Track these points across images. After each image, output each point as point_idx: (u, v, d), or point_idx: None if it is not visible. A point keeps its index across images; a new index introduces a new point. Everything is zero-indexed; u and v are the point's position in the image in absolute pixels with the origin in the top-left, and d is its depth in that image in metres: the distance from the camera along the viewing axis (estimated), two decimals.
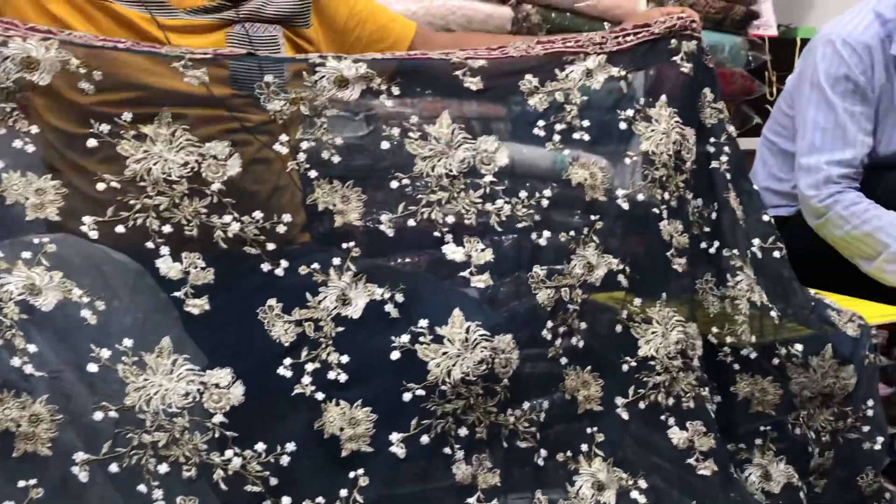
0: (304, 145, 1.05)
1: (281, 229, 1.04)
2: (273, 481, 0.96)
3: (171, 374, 0.96)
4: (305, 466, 0.98)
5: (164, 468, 0.94)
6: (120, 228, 0.98)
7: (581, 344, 1.10)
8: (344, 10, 1.32)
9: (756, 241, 1.21)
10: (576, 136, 1.12)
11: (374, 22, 1.34)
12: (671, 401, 1.12)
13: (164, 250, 0.98)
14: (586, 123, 1.13)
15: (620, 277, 1.11)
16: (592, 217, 1.11)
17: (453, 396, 0.99)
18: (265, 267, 1.01)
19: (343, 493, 0.98)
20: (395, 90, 1.07)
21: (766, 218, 1.23)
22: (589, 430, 1.10)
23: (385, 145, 1.06)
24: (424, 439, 0.98)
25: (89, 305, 0.94)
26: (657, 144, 1.13)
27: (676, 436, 1.11)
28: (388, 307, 1.01)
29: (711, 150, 1.21)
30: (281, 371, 0.99)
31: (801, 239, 1.66)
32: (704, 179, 1.20)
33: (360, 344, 1.01)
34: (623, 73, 1.15)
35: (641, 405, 1.12)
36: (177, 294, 0.99)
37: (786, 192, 1.84)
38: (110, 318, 0.96)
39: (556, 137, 1.12)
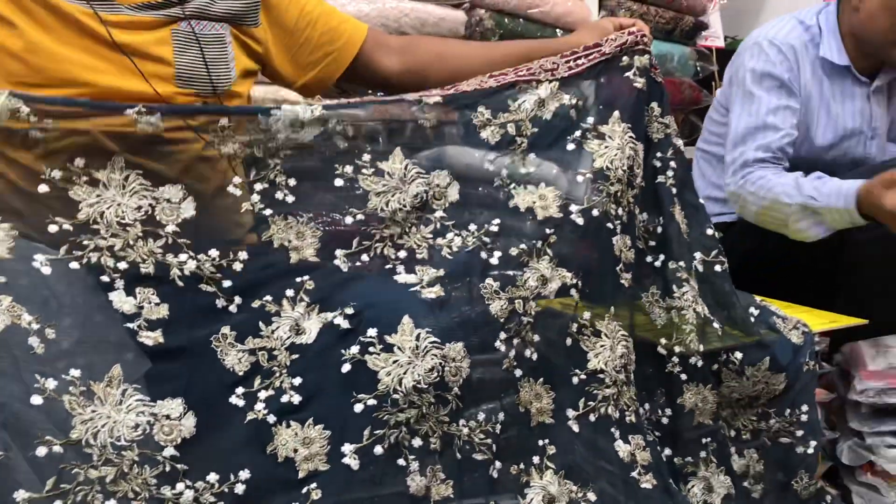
0: (258, 186, 1.04)
1: (237, 267, 1.03)
2: None
3: (120, 405, 0.93)
4: (261, 492, 0.96)
5: None
6: (74, 265, 0.96)
7: (535, 356, 1.09)
8: (294, 10, 1.30)
9: (698, 255, 1.23)
10: (524, 169, 1.14)
11: (325, 23, 1.32)
12: (617, 414, 1.13)
13: (119, 284, 0.97)
14: (533, 157, 1.14)
15: (573, 291, 1.12)
16: (547, 231, 1.11)
17: (405, 405, 0.98)
18: (220, 303, 1.00)
19: None
20: (350, 131, 1.08)
21: (710, 232, 1.25)
22: (541, 443, 1.10)
23: (339, 182, 1.06)
24: (378, 450, 0.97)
25: (38, 333, 0.91)
26: (612, 160, 1.15)
27: (622, 449, 1.12)
28: (339, 320, 1.00)
29: (658, 164, 1.23)
30: (233, 400, 0.97)
31: (744, 245, 1.69)
32: (651, 194, 1.22)
33: (312, 364, 0.99)
34: (574, 101, 1.17)
35: (592, 417, 1.12)
36: (130, 325, 0.96)
37: (726, 198, 1.87)
38: (60, 345, 0.92)
39: (504, 172, 1.13)
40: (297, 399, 0.97)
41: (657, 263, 1.22)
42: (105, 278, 0.96)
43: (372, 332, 0.98)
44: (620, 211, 1.15)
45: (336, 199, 1.07)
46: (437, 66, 1.37)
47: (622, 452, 1.12)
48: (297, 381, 0.98)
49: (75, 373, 0.91)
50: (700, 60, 2.49)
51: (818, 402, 1.33)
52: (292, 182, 1.06)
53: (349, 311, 1.00)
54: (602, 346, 1.13)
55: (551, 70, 1.17)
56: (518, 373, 1.08)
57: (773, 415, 1.24)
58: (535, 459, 1.09)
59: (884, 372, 1.37)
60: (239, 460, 0.95)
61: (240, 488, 0.94)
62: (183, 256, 0.99)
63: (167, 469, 0.93)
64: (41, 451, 0.88)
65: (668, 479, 1.14)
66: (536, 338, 1.09)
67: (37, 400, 0.89)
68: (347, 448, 0.96)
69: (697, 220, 1.25)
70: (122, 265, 0.96)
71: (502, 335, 1.05)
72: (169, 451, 0.93)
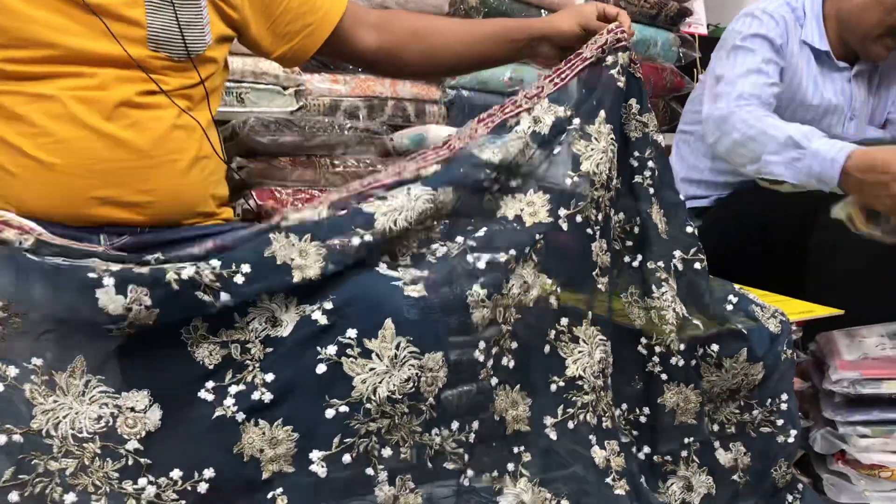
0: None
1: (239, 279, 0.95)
2: None
3: (83, 395, 0.89)
4: (224, 492, 0.93)
5: (70, 497, 0.87)
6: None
7: (512, 364, 1.08)
8: None
9: (678, 253, 1.22)
10: (514, 182, 1.12)
11: None
12: (595, 420, 1.12)
13: (109, 282, 0.89)
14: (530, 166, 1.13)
15: (552, 299, 1.11)
16: (536, 236, 1.09)
17: (377, 415, 0.95)
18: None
19: None
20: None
21: (689, 229, 1.24)
22: (516, 450, 1.08)
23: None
24: (346, 458, 0.94)
25: (2, 321, 0.87)
26: (597, 164, 1.13)
27: (597, 455, 1.12)
28: (317, 315, 0.96)
29: (635, 164, 1.21)
30: (202, 394, 0.94)
31: (717, 230, 1.71)
32: (627, 194, 1.21)
33: (286, 359, 0.95)
34: (568, 112, 1.15)
35: (570, 424, 1.11)
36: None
37: (703, 179, 1.88)
38: (24, 332, 0.88)
39: (496, 187, 1.12)
40: (268, 397, 0.94)
41: (635, 263, 1.21)
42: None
43: (351, 333, 0.94)
44: (600, 216, 1.14)
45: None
46: (413, 45, 1.35)
47: (598, 458, 1.11)
48: (270, 377, 0.94)
49: (37, 361, 0.88)
50: (683, 47, 2.48)
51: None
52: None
53: (328, 305, 0.96)
54: (580, 351, 1.12)
55: (537, 94, 1.16)
56: (494, 381, 1.06)
57: (755, 405, 1.24)
58: (510, 467, 1.08)
59: (858, 362, 1.38)
60: (204, 457, 0.92)
61: (202, 487, 0.92)
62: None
63: (130, 463, 0.90)
64: (1, 438, 0.85)
65: (639, 482, 1.15)
66: (514, 345, 1.08)
67: None
68: (315, 455, 0.93)
69: (677, 217, 1.24)
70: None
71: (482, 344, 1.03)
72: (132, 445, 0.90)
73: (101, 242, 1.13)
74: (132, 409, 0.90)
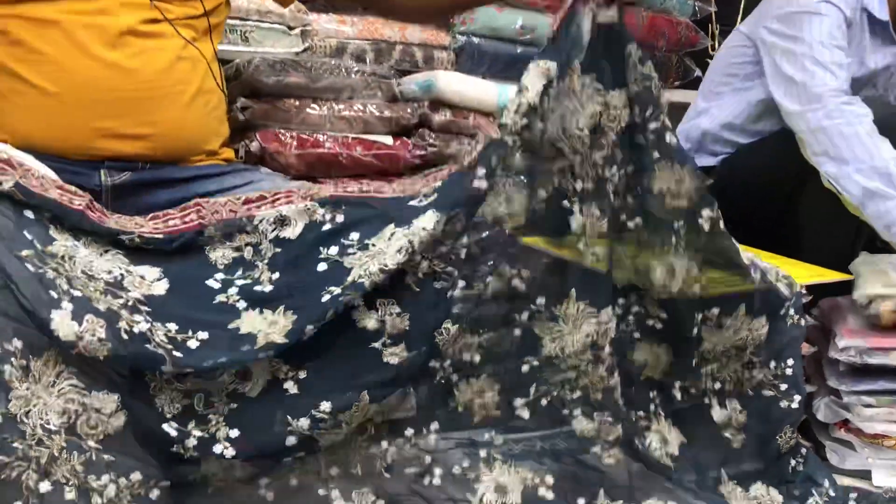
0: (239, 282, 0.96)
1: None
2: None
3: (52, 387, 0.87)
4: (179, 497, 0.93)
5: (45, 486, 0.86)
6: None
7: (476, 358, 1.08)
8: None
9: (706, 213, 1.14)
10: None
11: None
12: (577, 394, 1.11)
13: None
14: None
15: (516, 281, 1.09)
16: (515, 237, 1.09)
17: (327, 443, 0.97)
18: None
19: None
20: (340, 217, 1.00)
21: (699, 186, 1.15)
22: (487, 436, 1.08)
23: (322, 266, 0.98)
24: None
25: None
26: (569, 125, 1.08)
27: (581, 425, 1.11)
28: (288, 384, 0.95)
29: (638, 121, 1.13)
30: (166, 427, 0.92)
31: (725, 191, 1.67)
32: (629, 150, 1.13)
33: (253, 423, 0.94)
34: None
35: (543, 402, 1.11)
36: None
37: (729, 139, 1.84)
38: (7, 312, 0.85)
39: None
40: (229, 453, 0.93)
41: (631, 224, 1.16)
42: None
43: (325, 406, 0.94)
44: (580, 184, 1.09)
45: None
46: None
47: (584, 430, 1.11)
48: (235, 433, 0.93)
49: (18, 344, 0.86)
50: (698, 1, 2.42)
51: None
52: (276, 275, 0.98)
53: (301, 374, 0.96)
54: (559, 330, 1.10)
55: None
56: (454, 378, 1.06)
57: (758, 364, 1.22)
58: (483, 453, 1.07)
59: (864, 330, 1.36)
60: (160, 471, 0.92)
61: (154, 494, 0.91)
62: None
63: (93, 458, 0.88)
64: None
65: (636, 448, 1.14)
66: (476, 340, 1.07)
67: None
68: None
69: (687, 170, 1.15)
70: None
71: (442, 359, 1.05)
72: (91, 444, 0.89)
73: (101, 178, 1.10)
74: (98, 411, 0.89)
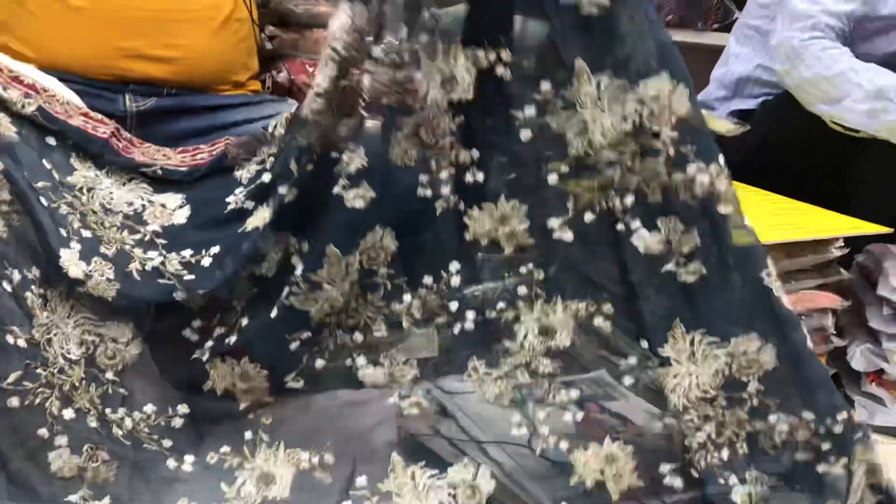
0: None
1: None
2: (167, 443, 0.91)
3: (68, 318, 0.88)
4: (201, 425, 0.92)
5: (69, 413, 0.87)
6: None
7: (480, 177, 0.91)
8: None
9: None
10: None
11: None
12: (629, 199, 0.87)
13: None
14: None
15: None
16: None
17: None
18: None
19: (248, 435, 0.91)
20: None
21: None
22: (524, 270, 0.91)
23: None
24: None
25: (5, 215, 0.85)
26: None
27: (644, 240, 0.87)
28: (295, 259, 0.90)
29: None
30: (187, 333, 0.91)
31: (760, 135, 1.65)
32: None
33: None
34: None
35: (588, 217, 0.89)
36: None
37: (768, 80, 1.78)
38: (26, 237, 0.86)
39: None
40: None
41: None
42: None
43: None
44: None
45: None
46: None
47: (645, 245, 0.88)
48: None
49: (36, 272, 0.86)
50: None
51: (829, 310, 1.30)
52: None
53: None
54: (581, 119, 0.88)
55: None
56: (461, 206, 0.91)
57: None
58: (522, 291, 0.91)
59: None
60: (177, 394, 0.92)
61: (177, 422, 0.91)
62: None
63: (110, 391, 0.89)
64: (8, 338, 0.84)
65: (728, 269, 0.88)
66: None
67: (6, 286, 0.85)
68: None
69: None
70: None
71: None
72: (109, 375, 0.89)
73: (125, 103, 1.08)
74: (114, 340, 0.89)
